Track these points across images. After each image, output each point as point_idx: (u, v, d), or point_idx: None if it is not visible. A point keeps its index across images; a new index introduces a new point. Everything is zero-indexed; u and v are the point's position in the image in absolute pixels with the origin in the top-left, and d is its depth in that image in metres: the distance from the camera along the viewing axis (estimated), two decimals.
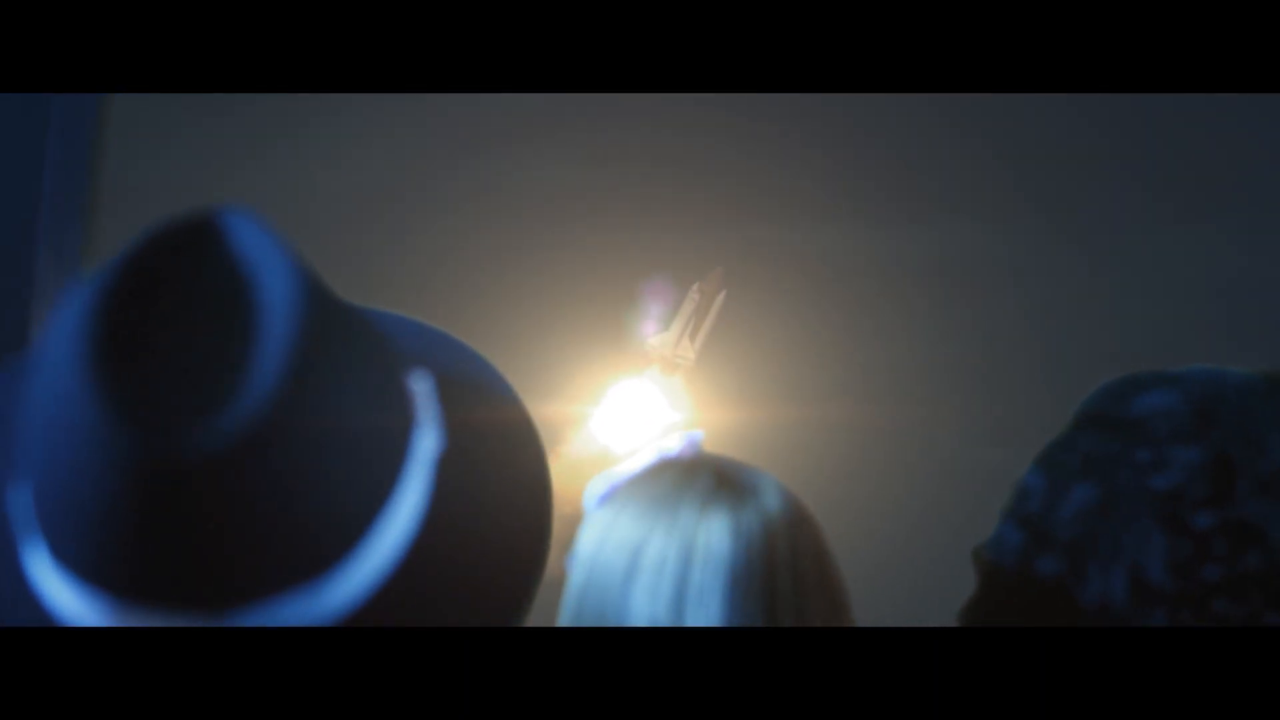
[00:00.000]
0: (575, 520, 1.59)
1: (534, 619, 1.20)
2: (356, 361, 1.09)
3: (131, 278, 1.04)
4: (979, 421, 5.37)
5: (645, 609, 1.48)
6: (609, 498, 1.57)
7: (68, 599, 1.05)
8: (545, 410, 5.58)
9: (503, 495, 1.18)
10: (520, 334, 5.46)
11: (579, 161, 5.44)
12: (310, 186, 5.16)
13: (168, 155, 4.79)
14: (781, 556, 1.52)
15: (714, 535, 1.52)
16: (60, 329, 1.01)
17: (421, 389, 1.15)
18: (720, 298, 5.74)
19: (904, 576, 5.08)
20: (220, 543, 1.02)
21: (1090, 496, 1.33)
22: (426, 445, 1.13)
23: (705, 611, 1.48)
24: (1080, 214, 5.36)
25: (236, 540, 1.02)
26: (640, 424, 5.70)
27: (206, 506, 1.01)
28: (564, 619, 1.54)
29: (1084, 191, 5.35)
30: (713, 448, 5.25)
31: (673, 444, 1.62)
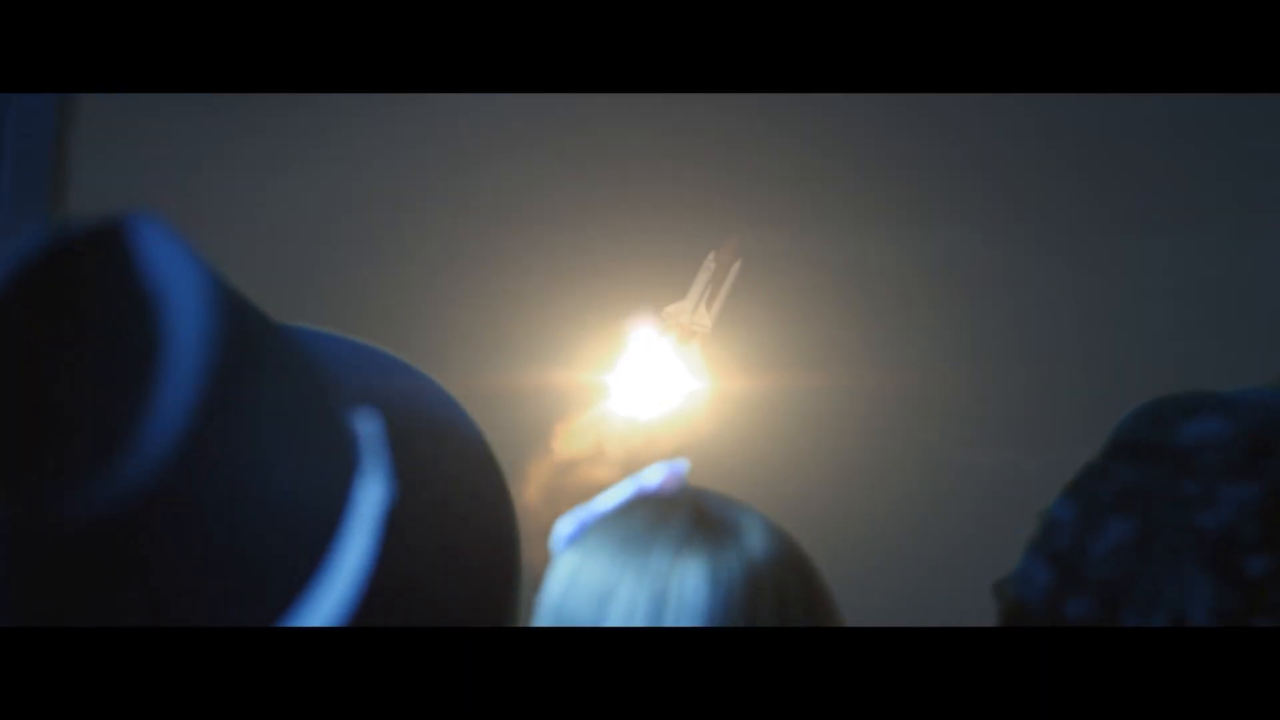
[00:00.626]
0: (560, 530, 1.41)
1: None
2: (287, 398, 0.90)
3: (5, 298, 0.85)
4: (978, 421, 5.28)
5: None
6: (578, 538, 1.37)
7: None
8: (561, 379, 5.49)
9: (463, 555, 1.00)
10: (534, 303, 5.38)
11: (586, 152, 5.34)
12: (290, 189, 5.06)
13: (133, 157, 4.66)
14: (766, 606, 1.32)
15: (689, 582, 1.31)
16: None
17: (368, 430, 0.96)
18: (736, 266, 5.66)
19: (912, 559, 4.99)
20: (107, 623, 0.84)
21: (1127, 533, 1.14)
22: (372, 497, 0.95)
23: None
24: (1083, 217, 5.27)
25: (128, 620, 0.84)
26: (657, 392, 5.62)
27: (91, 582, 0.83)
28: None
29: (1084, 194, 5.26)
30: (729, 416, 5.22)
31: (653, 476, 1.40)
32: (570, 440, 5.41)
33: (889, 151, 5.29)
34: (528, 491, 5.18)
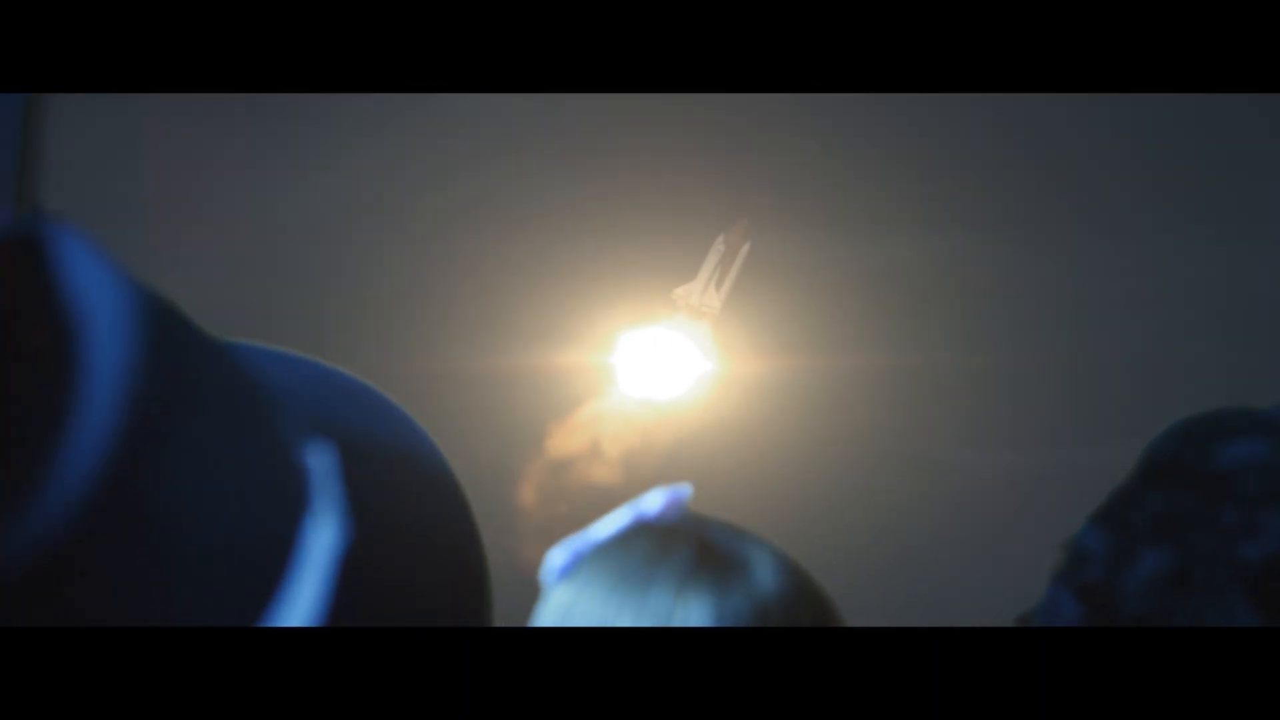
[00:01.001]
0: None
1: None
2: (225, 430, 0.79)
3: None
4: (981, 420, 5.24)
5: None
6: (570, 571, 1.23)
7: None
8: (571, 359, 5.45)
9: (426, 601, 0.88)
10: (546, 282, 5.35)
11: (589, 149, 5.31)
12: (293, 188, 5.00)
13: (102, 158, 4.58)
14: None
15: (691, 622, 1.18)
16: None
17: (320, 463, 0.84)
18: (745, 248, 5.65)
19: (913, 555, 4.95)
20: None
21: (1163, 564, 1.02)
22: (324, 540, 0.83)
23: None
24: (1089, 219, 5.23)
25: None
26: (664, 374, 5.60)
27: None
28: None
29: (1090, 196, 5.22)
30: (738, 396, 5.18)
31: (653, 502, 1.26)
32: (567, 437, 5.35)
33: (902, 152, 5.27)
34: (524, 491, 5.12)
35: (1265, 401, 1.10)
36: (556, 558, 1.23)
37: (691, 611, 1.17)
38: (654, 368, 5.61)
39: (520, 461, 5.16)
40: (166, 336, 0.75)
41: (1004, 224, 5.26)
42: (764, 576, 1.19)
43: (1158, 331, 5.08)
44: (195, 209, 4.85)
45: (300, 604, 0.81)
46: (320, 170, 5.04)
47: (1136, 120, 4.98)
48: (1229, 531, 1.01)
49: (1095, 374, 5.10)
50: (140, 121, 4.65)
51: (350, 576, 0.83)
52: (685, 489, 1.24)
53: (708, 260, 5.66)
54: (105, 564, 0.73)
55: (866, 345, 5.33)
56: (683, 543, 1.20)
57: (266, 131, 4.92)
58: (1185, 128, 4.95)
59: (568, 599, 1.21)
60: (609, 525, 1.23)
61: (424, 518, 0.89)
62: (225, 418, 0.79)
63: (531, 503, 5.05)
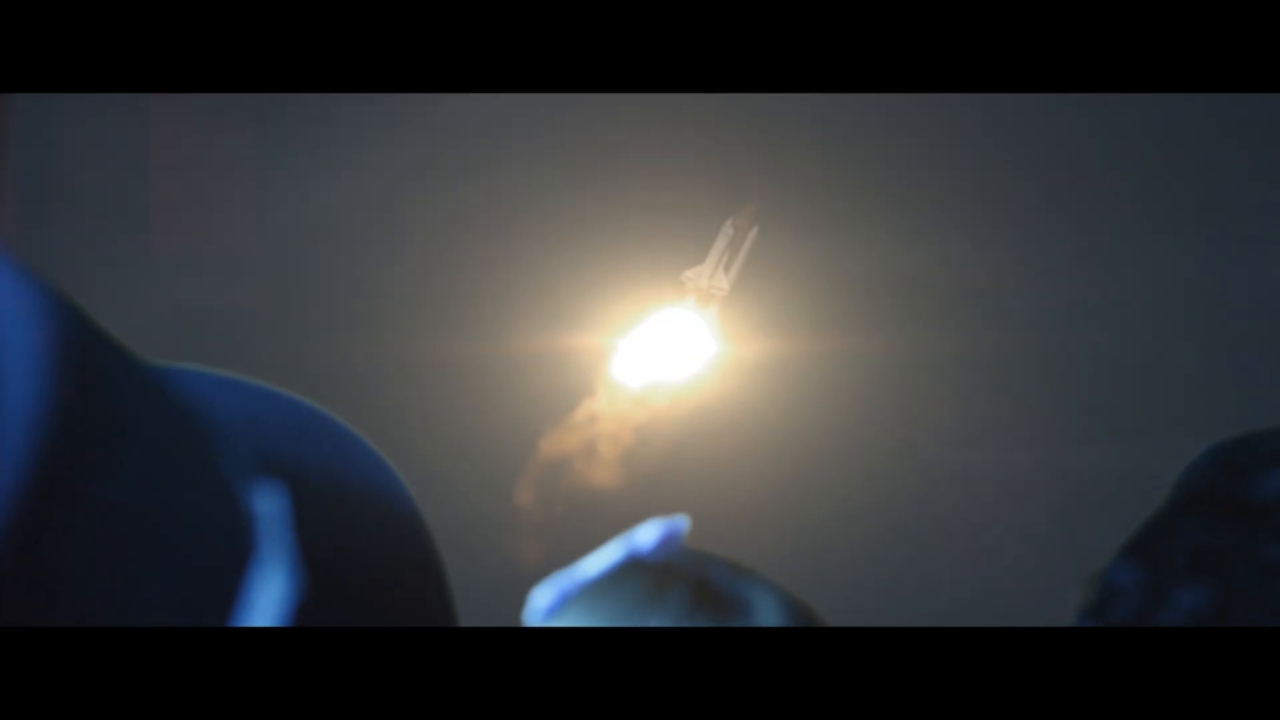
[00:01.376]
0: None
1: None
2: (159, 470, 0.70)
3: None
4: (984, 418, 5.20)
5: None
6: (558, 611, 1.14)
7: None
8: (582, 342, 5.42)
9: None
10: (554, 267, 5.32)
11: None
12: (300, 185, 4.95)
13: (109, 162, 4.54)
14: None
15: None
16: None
17: (268, 507, 0.75)
18: (753, 232, 5.63)
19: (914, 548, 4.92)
20: None
21: (1200, 602, 0.93)
22: (273, 591, 0.74)
23: None
24: (1087, 220, 5.21)
25: None
26: (676, 355, 5.58)
27: None
28: None
29: (1089, 197, 5.19)
30: (746, 380, 5.11)
31: (647, 536, 1.16)
32: (564, 436, 5.32)
33: (910, 151, 5.24)
34: (521, 492, 5.08)
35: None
36: (542, 597, 1.13)
37: None
38: (662, 351, 5.60)
39: (522, 456, 5.12)
40: (87, 359, 0.66)
41: (1008, 224, 5.23)
42: (766, 619, 1.11)
43: (1155, 332, 5.06)
44: (202, 213, 4.81)
45: None
46: (317, 172, 5.02)
47: (1135, 123, 4.96)
48: (1271, 566, 0.92)
49: (1093, 374, 5.09)
50: (146, 123, 4.62)
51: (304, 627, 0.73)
52: (681, 522, 1.15)
53: (716, 244, 5.65)
54: (18, 619, 0.64)
55: (866, 336, 5.31)
56: (679, 582, 1.11)
57: (273, 134, 4.89)
58: (1178, 129, 4.94)
59: None
60: (599, 562, 1.14)
61: (384, 564, 0.79)
62: (157, 453, 0.69)
63: (528, 502, 5.01)
